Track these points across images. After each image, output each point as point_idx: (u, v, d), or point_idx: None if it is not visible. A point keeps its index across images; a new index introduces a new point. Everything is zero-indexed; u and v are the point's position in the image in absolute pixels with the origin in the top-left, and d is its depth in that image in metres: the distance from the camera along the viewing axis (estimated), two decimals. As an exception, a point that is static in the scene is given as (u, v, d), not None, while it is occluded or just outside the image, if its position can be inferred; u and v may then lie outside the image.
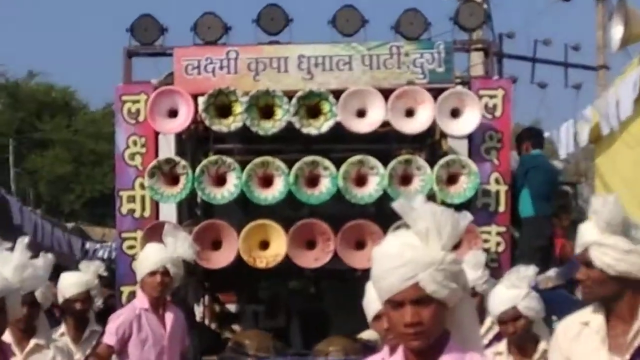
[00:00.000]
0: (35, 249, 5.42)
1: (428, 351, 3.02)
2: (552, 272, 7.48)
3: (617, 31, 10.86)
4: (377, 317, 4.35)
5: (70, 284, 7.01)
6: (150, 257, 6.59)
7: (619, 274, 3.74)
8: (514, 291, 5.55)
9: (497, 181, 8.29)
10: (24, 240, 5.32)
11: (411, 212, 2.98)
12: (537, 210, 8.82)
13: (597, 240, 3.77)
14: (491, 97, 8.35)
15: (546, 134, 10.96)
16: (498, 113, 8.34)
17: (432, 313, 2.94)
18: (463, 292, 3.07)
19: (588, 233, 3.82)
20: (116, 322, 6.51)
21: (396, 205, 3.03)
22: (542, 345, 5.51)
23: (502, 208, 8.23)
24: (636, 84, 9.76)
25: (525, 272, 5.72)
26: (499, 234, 8.12)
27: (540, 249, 8.46)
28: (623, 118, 10.19)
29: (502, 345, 5.50)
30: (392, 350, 4.19)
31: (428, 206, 3.00)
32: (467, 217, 3.12)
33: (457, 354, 3.04)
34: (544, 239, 8.64)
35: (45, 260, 5.69)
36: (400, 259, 2.93)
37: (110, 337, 6.48)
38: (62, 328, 7.20)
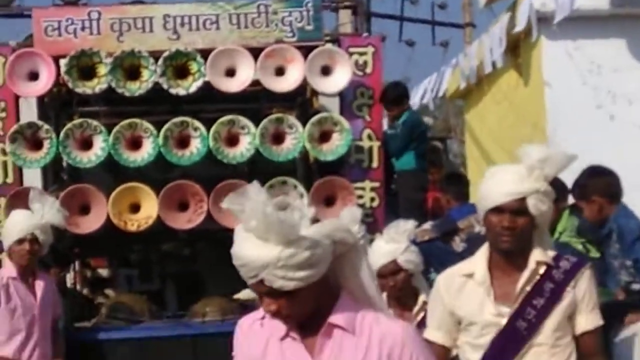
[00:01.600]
0: None
1: (316, 312, 2.97)
2: (427, 225, 7.55)
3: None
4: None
5: None
6: (17, 225, 6.46)
7: (542, 222, 4.01)
8: (393, 245, 5.58)
9: (369, 137, 8.37)
10: None
11: (242, 212, 2.89)
12: (417, 164, 8.97)
13: (538, 189, 3.92)
14: (361, 54, 8.42)
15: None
16: (368, 70, 8.42)
17: (288, 301, 2.86)
18: (343, 249, 2.98)
19: (523, 182, 3.93)
20: None
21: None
22: (421, 298, 5.59)
23: (375, 164, 8.32)
24: (502, 39, 9.96)
25: (405, 226, 5.76)
26: (373, 189, 8.21)
27: (419, 202, 8.54)
28: (487, 71, 10.42)
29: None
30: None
31: (259, 202, 2.86)
32: (304, 210, 3.03)
33: (348, 308, 2.99)
34: (422, 192, 8.73)
35: None
36: (239, 260, 2.80)
37: None
38: None
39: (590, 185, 6.06)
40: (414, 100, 12.03)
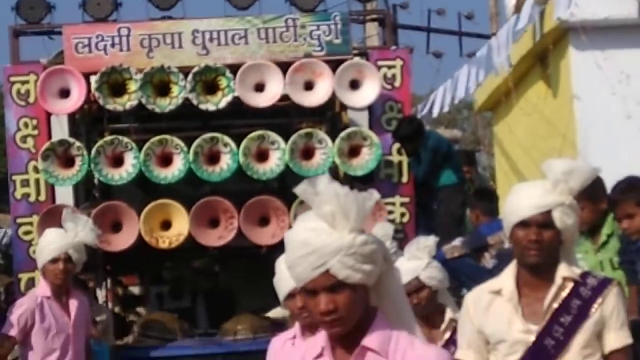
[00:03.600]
0: None
1: (352, 332, 2.98)
2: (457, 242, 7.49)
3: (510, -1, 10.97)
4: (291, 295, 4.31)
5: None
6: (51, 244, 6.38)
7: (569, 237, 3.89)
8: (416, 262, 5.55)
9: (399, 152, 8.33)
10: None
11: (315, 197, 2.90)
12: (457, 179, 8.89)
13: (563, 202, 3.85)
14: (390, 67, 8.37)
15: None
16: (397, 84, 8.37)
17: (348, 299, 2.84)
18: (386, 267, 3.01)
19: (548, 196, 3.88)
20: (18, 312, 6.32)
21: (299, 189, 2.94)
22: (448, 315, 5.52)
23: (405, 179, 8.29)
24: (509, 41, 9.87)
25: (426, 243, 5.73)
26: (403, 204, 8.17)
27: (460, 218, 8.49)
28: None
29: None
30: (305, 328, 4.13)
31: (332, 188, 2.89)
32: (373, 196, 3.04)
33: (383, 331, 2.99)
34: (463, 207, 8.67)
35: None
36: (308, 247, 2.83)
37: (11, 328, 6.29)
38: None
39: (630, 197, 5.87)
40: (434, 110, 11.99)
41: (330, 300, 2.80)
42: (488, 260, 7.07)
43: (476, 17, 19.71)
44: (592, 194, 6.00)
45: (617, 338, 4.17)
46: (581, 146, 9.01)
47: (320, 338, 3.07)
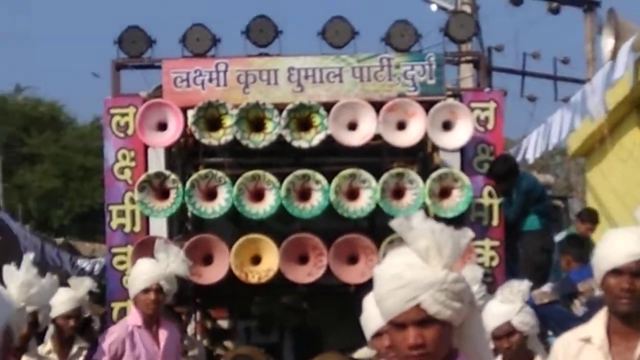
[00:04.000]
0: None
1: None
2: (547, 287, 7.43)
3: (607, 43, 10.85)
4: (378, 334, 4.31)
5: (61, 301, 6.83)
6: (143, 274, 6.47)
7: None
8: (508, 306, 5.52)
9: (490, 194, 8.27)
10: (29, 258, 5.32)
11: (410, 231, 2.91)
12: (540, 225, 8.80)
13: None
14: (483, 109, 8.34)
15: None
16: (490, 126, 8.33)
17: (436, 334, 2.87)
18: (470, 308, 3.01)
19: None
20: (109, 339, 6.41)
21: (394, 223, 2.97)
22: None
23: (495, 222, 8.22)
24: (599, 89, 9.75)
25: (519, 287, 5.70)
26: (492, 248, 8.10)
27: (541, 264, 8.38)
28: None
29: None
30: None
31: (427, 224, 2.92)
32: (467, 234, 3.05)
33: None
34: (545, 253, 8.57)
35: (51, 280, 5.74)
36: (401, 280, 2.86)
37: (102, 356, 6.37)
38: (49, 345, 7.14)
39: None
40: (528, 155, 11.87)
41: (419, 334, 2.81)
42: (578, 307, 6.97)
43: (572, 61, 19.55)
44: None
45: None
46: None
47: None
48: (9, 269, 5.19)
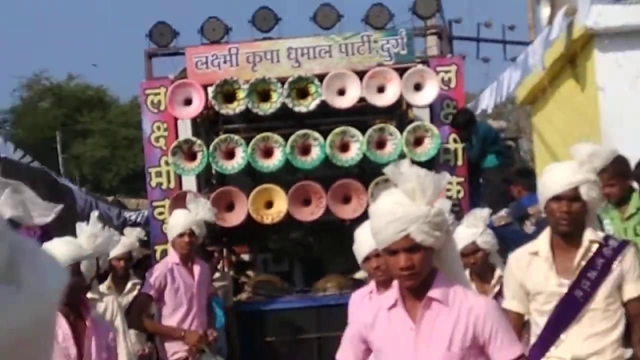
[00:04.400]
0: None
1: (419, 287, 3.06)
2: (503, 212, 7.45)
3: (544, 11, 10.79)
4: (367, 258, 4.37)
5: (117, 246, 6.91)
6: (178, 222, 6.54)
7: (593, 207, 3.77)
8: (472, 229, 5.60)
9: (455, 140, 8.28)
10: (95, 214, 5.38)
11: (399, 175, 2.99)
12: (498, 161, 8.85)
13: (588, 179, 3.71)
14: (446, 72, 8.32)
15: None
16: (452, 85, 8.32)
17: (422, 257, 2.97)
18: (446, 235, 3.09)
19: (576, 174, 3.75)
20: (154, 275, 6.50)
21: (387, 170, 3.05)
22: (497, 273, 5.58)
23: (460, 162, 8.26)
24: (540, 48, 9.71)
25: (481, 214, 5.79)
26: (458, 183, 8.12)
27: (502, 192, 8.43)
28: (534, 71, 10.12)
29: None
30: (379, 285, 4.17)
31: (413, 170, 3.01)
32: (446, 177, 3.13)
33: (443, 287, 3.08)
34: (505, 183, 8.61)
35: (109, 232, 5.84)
36: (393, 215, 2.95)
37: (149, 288, 6.48)
38: (108, 282, 7.21)
39: None
40: (484, 107, 11.83)
41: (409, 258, 2.93)
42: (528, 227, 7.00)
43: (517, 27, 19.49)
44: (620, 173, 5.91)
45: (634, 288, 4.15)
46: (605, 132, 8.86)
47: (393, 292, 3.18)
48: (79, 225, 5.26)
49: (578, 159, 4.08)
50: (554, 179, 4.11)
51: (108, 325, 4.59)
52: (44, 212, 6.65)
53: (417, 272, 2.97)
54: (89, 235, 5.11)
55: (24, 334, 0.37)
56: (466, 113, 8.49)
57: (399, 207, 2.94)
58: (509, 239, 6.37)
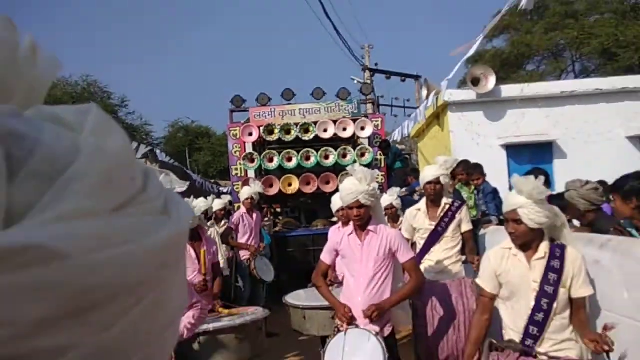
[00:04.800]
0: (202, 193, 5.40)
1: (363, 225, 3.01)
2: (404, 190, 7.40)
3: (424, 92, 10.72)
4: (337, 211, 4.33)
5: (218, 204, 6.76)
6: (246, 192, 6.31)
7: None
8: (389, 197, 5.35)
9: (380, 154, 8.08)
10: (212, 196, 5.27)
11: (355, 171, 2.97)
12: (401, 165, 8.76)
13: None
14: (376, 121, 8.07)
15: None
16: (379, 128, 8.06)
17: (364, 211, 2.94)
18: (377, 200, 3.04)
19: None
20: (235, 217, 6.23)
21: (349, 168, 3.02)
22: (401, 219, 5.09)
23: (382, 165, 8.09)
24: (422, 112, 9.67)
25: (394, 191, 5.58)
26: (382, 175, 7.98)
27: (403, 179, 8.39)
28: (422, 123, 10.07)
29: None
30: (343, 224, 4.14)
31: (360, 168, 3.00)
32: (375, 172, 3.12)
33: (374, 225, 3.05)
34: (405, 176, 8.53)
35: (212, 198, 5.73)
36: (350, 190, 2.92)
37: (231, 225, 6.17)
38: (212, 221, 6.74)
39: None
40: (395, 138, 11.79)
41: (358, 211, 2.88)
42: (416, 197, 6.97)
43: (411, 100, 19.46)
44: (465, 167, 5.63)
45: (466, 226, 3.94)
46: (453, 152, 8.88)
47: (350, 227, 3.16)
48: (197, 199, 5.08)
49: (438, 163, 4.00)
50: (427, 173, 4.00)
51: (212, 240, 4.57)
52: (181, 185, 6.57)
53: (362, 217, 2.96)
54: (201, 200, 5.03)
55: (172, 245, 0.33)
56: (386, 141, 8.46)
57: (353, 186, 2.92)
58: (406, 202, 6.36)
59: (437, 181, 3.92)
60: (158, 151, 11.30)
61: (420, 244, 4.03)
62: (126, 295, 0.30)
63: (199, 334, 3.42)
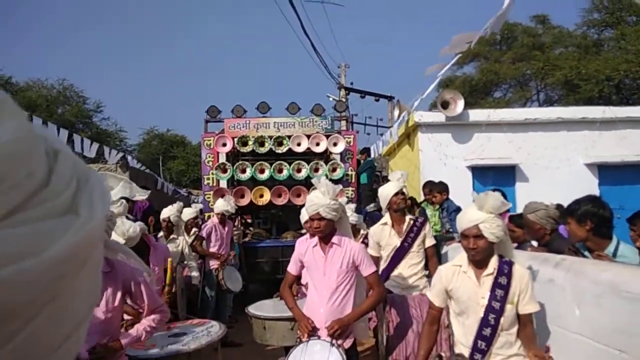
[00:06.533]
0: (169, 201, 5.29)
1: (326, 237, 3.00)
2: (372, 205, 7.51)
3: (396, 113, 10.93)
4: (305, 222, 4.33)
5: (189, 212, 6.64)
6: (218, 205, 6.27)
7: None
8: (356, 215, 5.36)
9: (351, 170, 8.12)
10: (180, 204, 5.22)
11: (320, 184, 2.98)
12: (368, 180, 8.84)
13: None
14: (349, 138, 8.13)
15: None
16: (352, 144, 8.14)
17: (325, 224, 2.93)
18: (341, 213, 3.02)
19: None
20: (206, 228, 6.18)
21: (315, 181, 3.02)
22: (362, 232, 5.13)
23: (353, 180, 8.13)
24: (395, 130, 9.85)
25: (362, 206, 5.67)
26: (352, 190, 8.02)
27: (370, 194, 8.44)
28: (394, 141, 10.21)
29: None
30: (310, 235, 4.19)
31: (326, 182, 2.99)
32: (339, 187, 3.14)
33: (338, 237, 3.02)
34: (372, 190, 8.60)
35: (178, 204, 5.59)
36: (313, 202, 2.92)
37: (202, 234, 6.11)
38: (182, 230, 6.41)
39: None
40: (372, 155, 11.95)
41: (319, 224, 2.89)
42: (384, 212, 7.06)
43: (384, 119, 19.75)
44: (431, 187, 5.78)
45: (429, 241, 3.96)
46: (421, 171, 9.06)
47: (315, 239, 3.15)
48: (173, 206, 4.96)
49: (395, 177, 4.02)
50: (390, 187, 4.00)
51: (163, 250, 4.35)
52: (142, 194, 6.42)
53: (321, 229, 2.93)
54: (172, 209, 4.87)
55: (76, 252, 0.28)
56: (367, 149, 8.54)
57: (316, 198, 2.92)
58: (376, 218, 6.42)
59: (402, 192, 3.96)
60: (130, 157, 11.08)
61: (386, 259, 4.00)
62: (12, 318, 0.26)
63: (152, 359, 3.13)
